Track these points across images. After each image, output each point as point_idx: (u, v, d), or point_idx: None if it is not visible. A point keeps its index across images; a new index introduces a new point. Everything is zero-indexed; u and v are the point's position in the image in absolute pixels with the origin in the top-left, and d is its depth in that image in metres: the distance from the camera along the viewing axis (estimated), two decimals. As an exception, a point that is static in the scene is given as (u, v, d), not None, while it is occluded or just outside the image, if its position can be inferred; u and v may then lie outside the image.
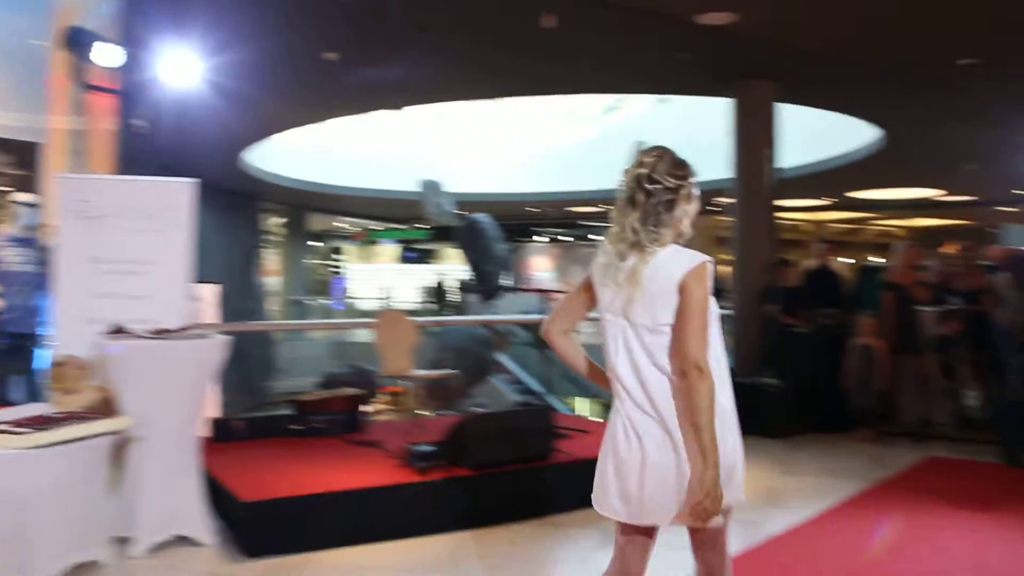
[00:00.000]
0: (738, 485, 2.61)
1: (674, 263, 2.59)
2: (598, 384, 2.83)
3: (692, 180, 2.67)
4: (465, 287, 13.51)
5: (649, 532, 2.68)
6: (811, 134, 13.32)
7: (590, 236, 27.33)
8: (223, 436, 6.11)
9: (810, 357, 8.19)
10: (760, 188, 8.58)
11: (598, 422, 11.10)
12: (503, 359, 13.31)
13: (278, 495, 4.72)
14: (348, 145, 16.32)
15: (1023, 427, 6.88)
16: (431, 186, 15.24)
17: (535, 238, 27.62)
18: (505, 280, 14.39)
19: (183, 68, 6.84)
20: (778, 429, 7.77)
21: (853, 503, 5.64)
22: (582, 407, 13.96)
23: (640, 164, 2.65)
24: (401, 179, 17.31)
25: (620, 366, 2.63)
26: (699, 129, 13.56)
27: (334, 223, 27.04)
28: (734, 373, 2.70)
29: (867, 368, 7.69)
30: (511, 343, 13.24)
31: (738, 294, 9.18)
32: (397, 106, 11.94)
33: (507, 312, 12.04)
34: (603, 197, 20.54)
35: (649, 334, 2.59)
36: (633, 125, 14.44)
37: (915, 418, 8.02)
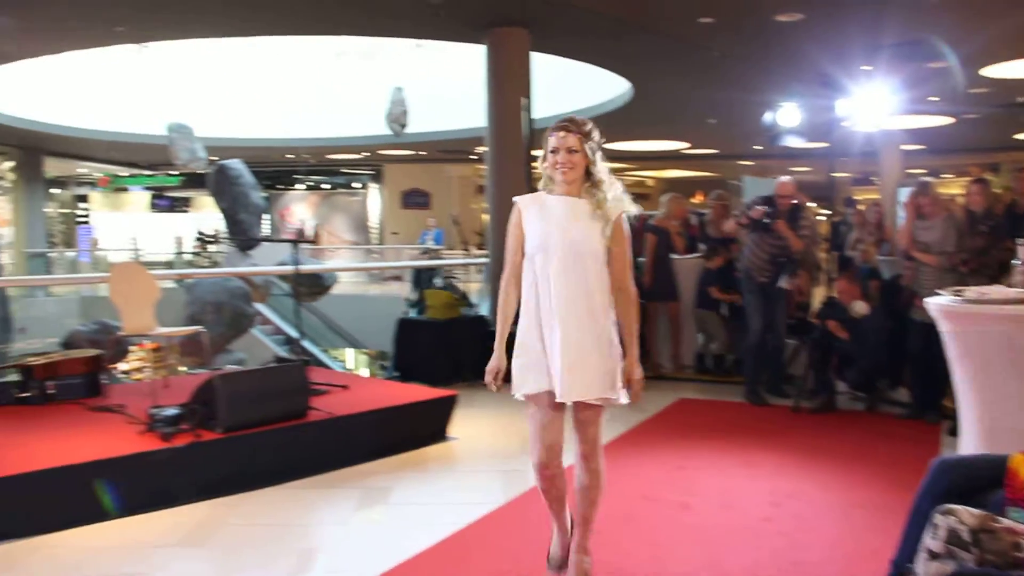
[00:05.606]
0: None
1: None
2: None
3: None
4: (218, 237, 12.82)
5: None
6: (566, 84, 13.60)
7: (353, 184, 26.73)
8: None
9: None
10: (515, 137, 8.61)
11: (359, 376, 10.97)
12: (264, 309, 12.88)
13: (2, 473, 4.28)
14: (89, 84, 15.05)
15: (761, 368, 7.37)
16: (180, 130, 14.35)
17: (296, 186, 26.78)
18: (261, 230, 13.86)
19: None
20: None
21: (613, 445, 5.83)
22: (347, 358, 13.77)
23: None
24: (147, 122, 16.26)
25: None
26: (457, 77, 13.54)
27: (77, 169, 24.95)
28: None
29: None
30: (270, 294, 12.81)
31: (494, 242, 9.24)
32: (138, 41, 11.06)
33: (264, 263, 11.61)
34: (364, 144, 20.17)
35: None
36: (390, 70, 14.16)
37: (668, 361, 8.49)
